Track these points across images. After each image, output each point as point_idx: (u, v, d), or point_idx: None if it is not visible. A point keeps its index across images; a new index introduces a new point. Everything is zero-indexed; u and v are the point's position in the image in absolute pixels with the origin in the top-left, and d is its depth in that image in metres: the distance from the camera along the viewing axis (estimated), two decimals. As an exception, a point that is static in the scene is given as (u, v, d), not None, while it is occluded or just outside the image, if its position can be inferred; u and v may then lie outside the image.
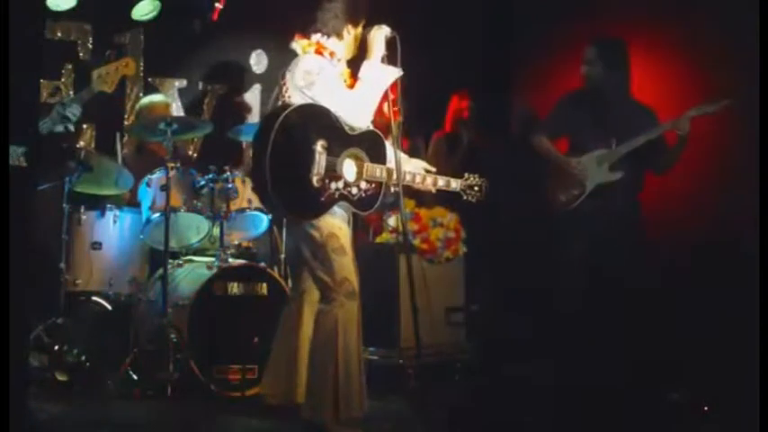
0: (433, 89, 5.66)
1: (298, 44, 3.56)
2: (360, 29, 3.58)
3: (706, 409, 3.78)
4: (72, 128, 4.18)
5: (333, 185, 3.36)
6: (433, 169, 3.83)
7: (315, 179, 3.31)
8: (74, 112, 4.06)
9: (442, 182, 3.77)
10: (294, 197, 3.35)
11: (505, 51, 5.77)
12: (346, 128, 3.41)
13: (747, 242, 3.67)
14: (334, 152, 3.35)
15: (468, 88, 5.66)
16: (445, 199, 5.06)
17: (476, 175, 3.80)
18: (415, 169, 3.73)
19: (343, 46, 3.56)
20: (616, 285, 4.25)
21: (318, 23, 3.52)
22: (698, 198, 4.62)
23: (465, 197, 3.78)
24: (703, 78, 4.62)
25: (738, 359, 3.81)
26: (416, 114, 4.98)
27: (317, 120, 3.36)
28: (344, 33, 3.54)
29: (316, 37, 3.53)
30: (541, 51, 5.58)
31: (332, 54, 3.53)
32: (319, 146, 3.31)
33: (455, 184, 3.78)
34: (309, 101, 3.39)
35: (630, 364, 4.11)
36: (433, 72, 5.62)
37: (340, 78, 3.50)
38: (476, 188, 3.78)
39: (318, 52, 3.51)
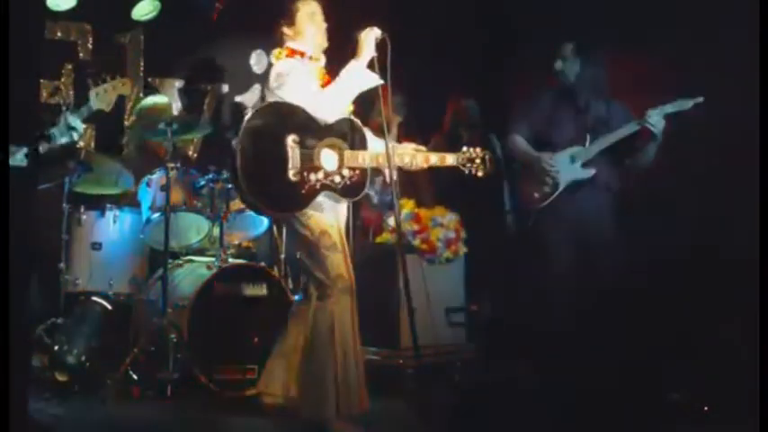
0: (431, 91, 5.65)
1: (272, 54, 3.63)
2: (297, 25, 3.57)
3: (706, 409, 3.78)
4: (77, 137, 4.20)
5: (312, 177, 3.38)
6: (423, 148, 3.75)
7: (292, 173, 3.34)
8: (78, 123, 4.06)
9: (434, 158, 3.69)
10: (272, 194, 3.37)
11: (504, 53, 5.76)
12: (319, 121, 3.43)
13: (748, 241, 3.67)
14: (308, 145, 3.39)
15: (467, 90, 5.65)
16: (446, 199, 5.07)
17: (477, 149, 3.69)
18: (403, 150, 3.68)
19: (306, 44, 3.57)
20: (600, 285, 4.23)
21: (276, 34, 3.61)
22: (699, 196, 4.62)
23: (467, 171, 3.68)
24: (678, 76, 4.60)
25: (738, 359, 3.80)
26: (415, 115, 4.98)
27: (286, 116, 3.39)
28: (284, 32, 3.58)
29: (286, 44, 3.59)
30: (541, 53, 5.57)
31: (302, 54, 3.57)
32: (290, 140, 3.35)
33: (451, 159, 3.69)
34: (279, 100, 3.43)
35: (630, 364, 4.10)
36: (431, 74, 5.62)
37: (311, 76, 3.54)
38: (477, 161, 3.68)
39: (290, 55, 3.57)
